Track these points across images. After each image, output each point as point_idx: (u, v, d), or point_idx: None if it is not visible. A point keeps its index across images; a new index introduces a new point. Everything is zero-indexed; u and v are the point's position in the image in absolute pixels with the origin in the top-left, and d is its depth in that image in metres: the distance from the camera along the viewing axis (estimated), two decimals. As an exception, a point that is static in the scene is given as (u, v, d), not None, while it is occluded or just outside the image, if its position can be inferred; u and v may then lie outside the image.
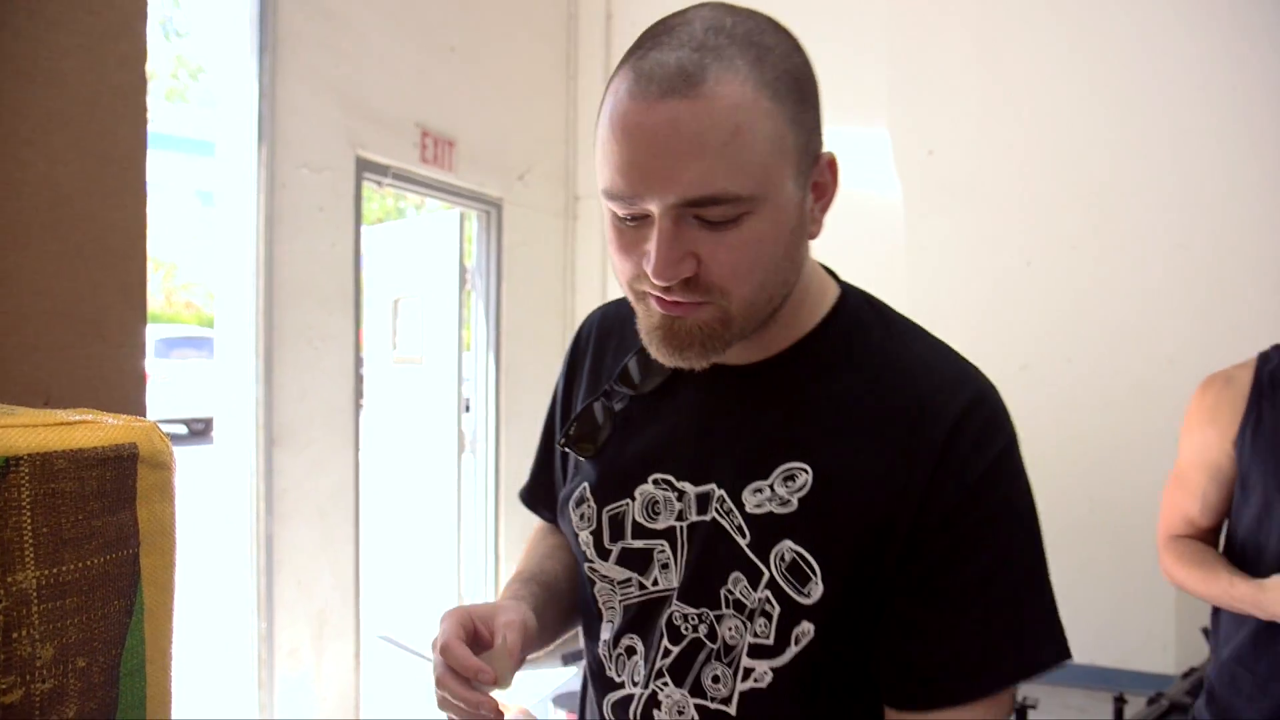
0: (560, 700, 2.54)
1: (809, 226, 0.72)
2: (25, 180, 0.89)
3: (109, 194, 0.98)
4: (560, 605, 0.92)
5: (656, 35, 0.67)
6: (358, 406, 3.02)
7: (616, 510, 0.82)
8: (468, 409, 3.86)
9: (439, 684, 0.74)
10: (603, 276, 4.18)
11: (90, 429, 0.52)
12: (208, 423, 10.20)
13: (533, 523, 1.06)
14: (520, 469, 3.88)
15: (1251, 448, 1.33)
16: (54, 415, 0.52)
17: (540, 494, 1.01)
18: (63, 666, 0.49)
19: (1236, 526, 1.40)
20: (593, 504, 0.84)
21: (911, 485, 0.70)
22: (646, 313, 0.73)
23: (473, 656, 0.73)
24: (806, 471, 0.73)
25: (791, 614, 0.72)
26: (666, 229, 0.65)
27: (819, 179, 0.72)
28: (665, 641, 0.78)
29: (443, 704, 0.75)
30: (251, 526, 2.64)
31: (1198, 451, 1.42)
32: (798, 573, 0.72)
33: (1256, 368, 1.37)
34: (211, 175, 3.43)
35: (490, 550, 3.82)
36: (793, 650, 0.72)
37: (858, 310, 0.79)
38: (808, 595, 0.71)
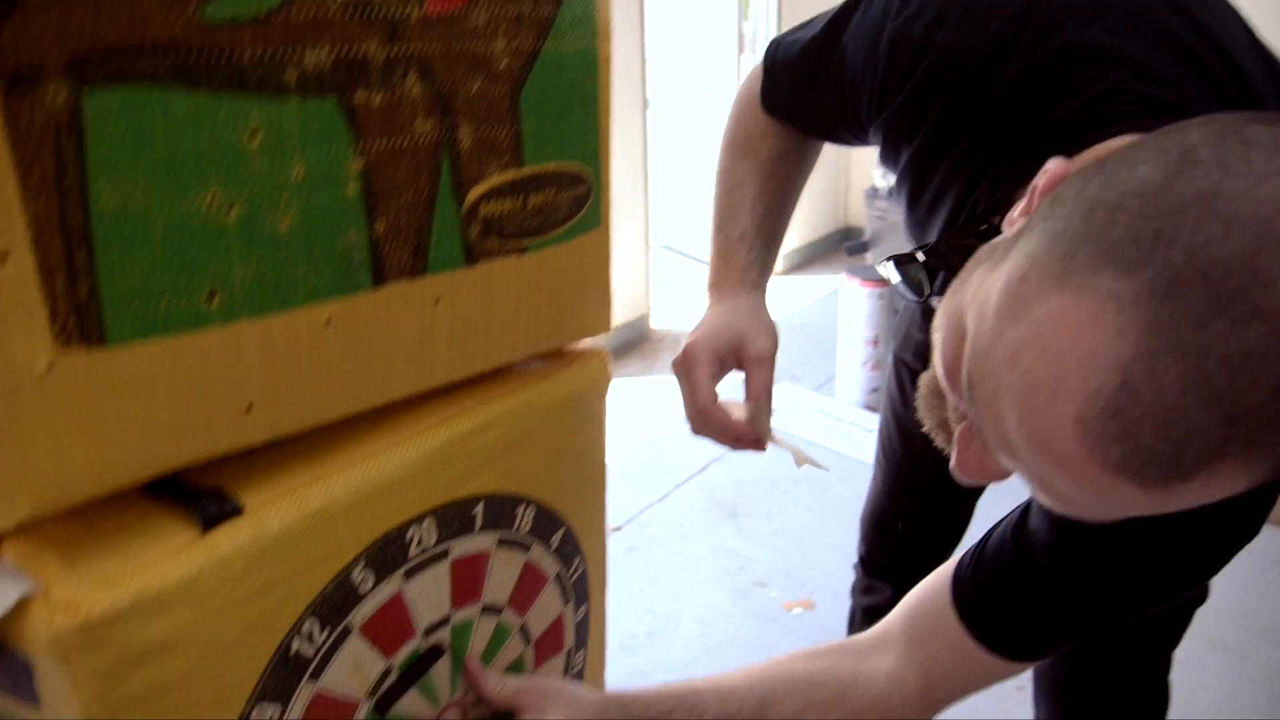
0: (851, 250, 2.61)
1: None
2: None
3: None
4: (784, 226, 0.85)
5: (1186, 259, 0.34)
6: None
7: None
8: (747, 16, 3.70)
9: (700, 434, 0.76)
10: None
11: None
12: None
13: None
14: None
15: None
16: None
17: (784, 107, 0.82)
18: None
19: None
20: None
21: None
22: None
23: (732, 423, 0.73)
24: None
25: None
26: (990, 463, 0.46)
27: None
28: None
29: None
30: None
31: None
32: None
33: None
34: None
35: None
36: None
37: None
38: None
